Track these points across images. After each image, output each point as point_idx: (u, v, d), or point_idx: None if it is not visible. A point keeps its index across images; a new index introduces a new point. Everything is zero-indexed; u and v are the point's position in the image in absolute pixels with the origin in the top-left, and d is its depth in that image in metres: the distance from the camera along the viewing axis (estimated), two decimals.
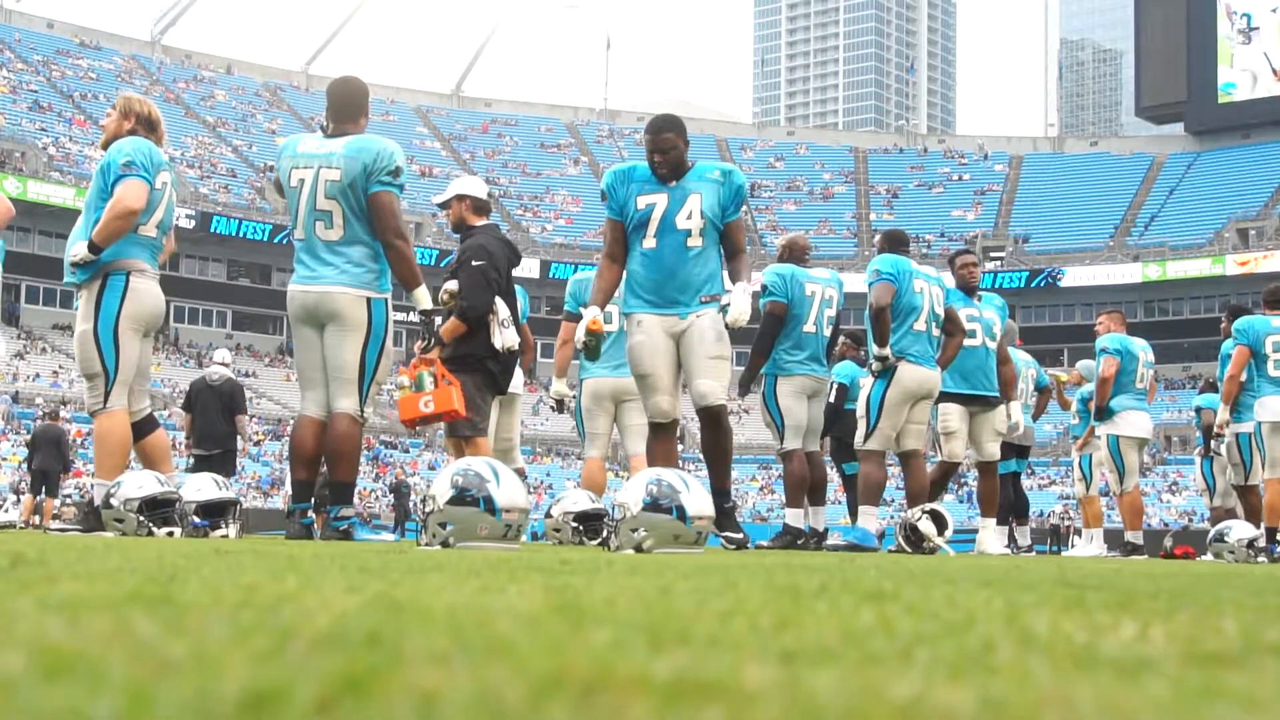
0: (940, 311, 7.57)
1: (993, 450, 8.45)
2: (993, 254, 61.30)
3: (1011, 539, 10.45)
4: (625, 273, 5.81)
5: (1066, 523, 33.17)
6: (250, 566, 2.24)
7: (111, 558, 2.54)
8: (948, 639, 1.14)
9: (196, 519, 5.77)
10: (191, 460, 12.30)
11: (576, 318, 7.74)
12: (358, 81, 5.93)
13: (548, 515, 7.21)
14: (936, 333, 7.58)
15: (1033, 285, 59.62)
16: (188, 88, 66.30)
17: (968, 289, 8.38)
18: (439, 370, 6.23)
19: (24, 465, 21.73)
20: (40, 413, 33.33)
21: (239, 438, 12.43)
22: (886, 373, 7.35)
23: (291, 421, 6.00)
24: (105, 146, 5.90)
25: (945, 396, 8.13)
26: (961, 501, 45.84)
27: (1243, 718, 0.75)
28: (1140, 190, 66.11)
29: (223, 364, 12.73)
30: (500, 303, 6.59)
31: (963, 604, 1.67)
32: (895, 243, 7.72)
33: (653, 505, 4.66)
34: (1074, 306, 58.68)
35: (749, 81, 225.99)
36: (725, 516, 5.70)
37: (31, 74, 60.30)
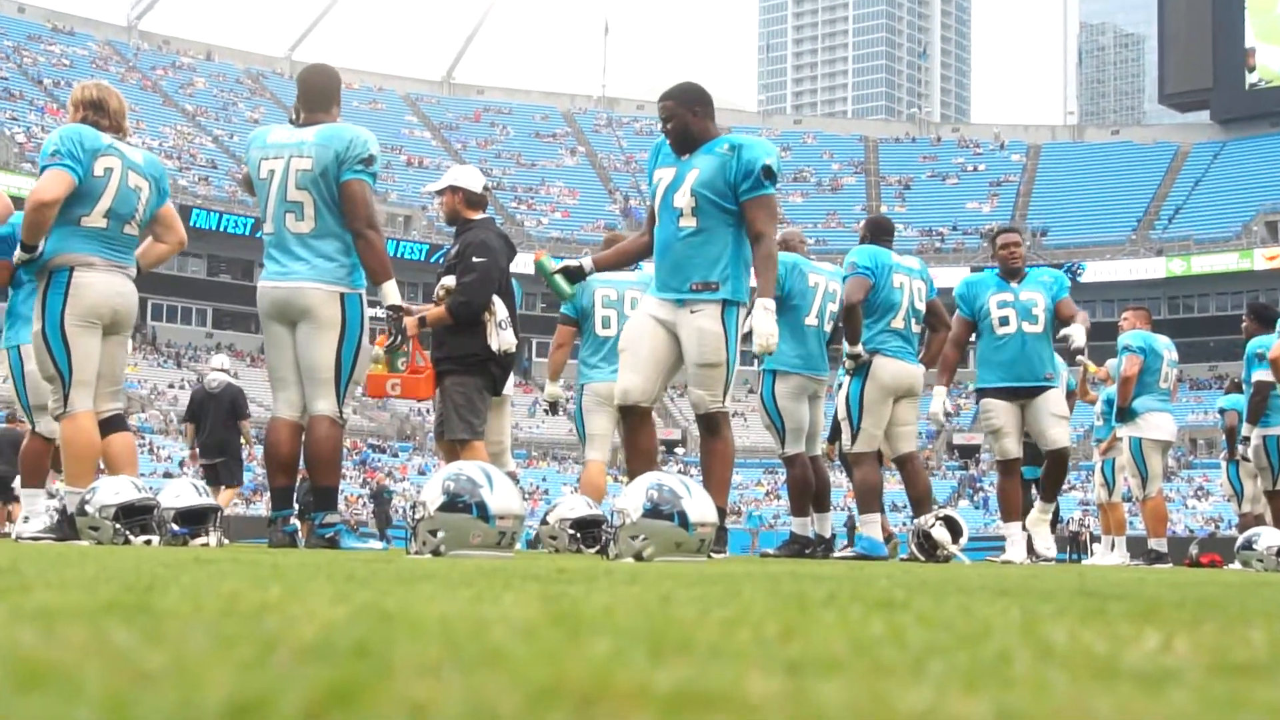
0: (921, 306, 7.48)
1: (1057, 436, 7.74)
2: None
3: (1030, 547, 10.43)
4: None
5: (1085, 529, 33.15)
6: (231, 575, 2.25)
7: (87, 566, 2.55)
8: (962, 649, 1.14)
9: (175, 526, 5.77)
10: (200, 470, 12.50)
11: (573, 321, 7.72)
12: (329, 69, 5.98)
13: (543, 522, 7.20)
14: (917, 328, 7.50)
15: None
16: (165, 75, 66.32)
17: (1010, 272, 7.88)
18: (414, 348, 6.27)
19: None
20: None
21: (244, 444, 12.61)
22: (861, 370, 7.31)
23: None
24: None
25: (984, 392, 7.95)
26: (978, 508, 45.92)
27: None
28: (1164, 181, 66.13)
29: (221, 370, 12.90)
30: (499, 303, 6.60)
31: (978, 614, 1.68)
32: (879, 232, 7.66)
33: (653, 511, 4.65)
34: (1094, 303, 58.66)
35: (754, 68, 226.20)
36: (724, 529, 5.62)
37: (2, 60, 60.33)
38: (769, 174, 5.35)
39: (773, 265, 5.37)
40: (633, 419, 5.60)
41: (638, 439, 5.61)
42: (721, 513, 5.42)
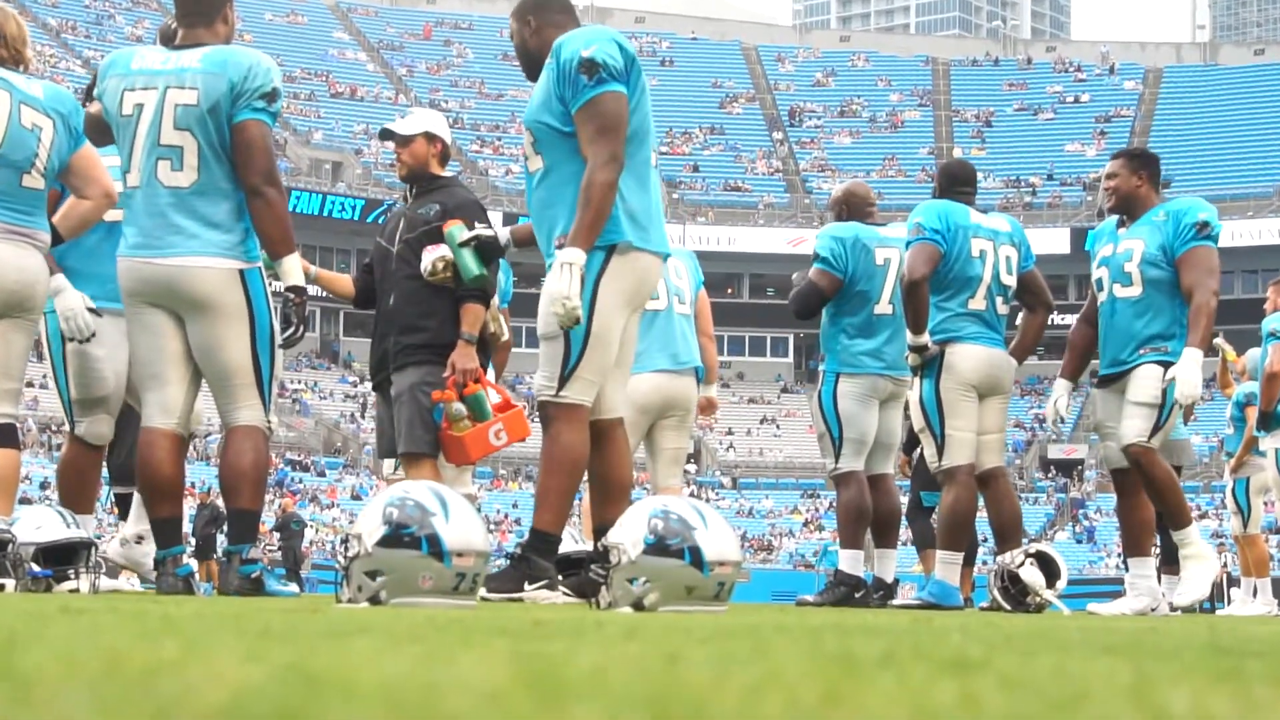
0: (1011, 280, 7.34)
1: (1126, 429, 6.89)
2: None
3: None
4: None
5: (1222, 569, 33.18)
6: (111, 628, 2.26)
7: None
8: (1053, 719, 1.15)
9: (35, 567, 5.78)
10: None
11: None
12: None
13: None
14: (1004, 309, 7.36)
15: None
16: None
17: (1124, 210, 7.13)
18: (484, 383, 6.36)
19: None
20: None
21: None
22: (932, 366, 7.18)
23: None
24: None
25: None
26: (1080, 541, 45.94)
27: None
28: None
29: None
30: None
31: (1076, 675, 1.69)
32: (955, 182, 7.49)
33: (658, 547, 4.65)
34: (1233, 274, 58.52)
35: None
36: (525, 560, 5.50)
37: None
38: (590, 69, 5.14)
39: (594, 200, 5.11)
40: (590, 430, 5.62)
41: (592, 463, 5.59)
42: (542, 535, 5.45)
